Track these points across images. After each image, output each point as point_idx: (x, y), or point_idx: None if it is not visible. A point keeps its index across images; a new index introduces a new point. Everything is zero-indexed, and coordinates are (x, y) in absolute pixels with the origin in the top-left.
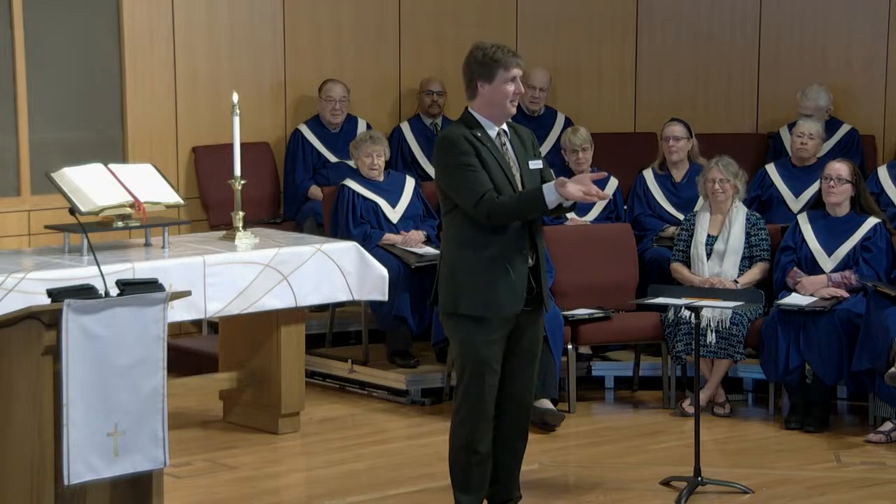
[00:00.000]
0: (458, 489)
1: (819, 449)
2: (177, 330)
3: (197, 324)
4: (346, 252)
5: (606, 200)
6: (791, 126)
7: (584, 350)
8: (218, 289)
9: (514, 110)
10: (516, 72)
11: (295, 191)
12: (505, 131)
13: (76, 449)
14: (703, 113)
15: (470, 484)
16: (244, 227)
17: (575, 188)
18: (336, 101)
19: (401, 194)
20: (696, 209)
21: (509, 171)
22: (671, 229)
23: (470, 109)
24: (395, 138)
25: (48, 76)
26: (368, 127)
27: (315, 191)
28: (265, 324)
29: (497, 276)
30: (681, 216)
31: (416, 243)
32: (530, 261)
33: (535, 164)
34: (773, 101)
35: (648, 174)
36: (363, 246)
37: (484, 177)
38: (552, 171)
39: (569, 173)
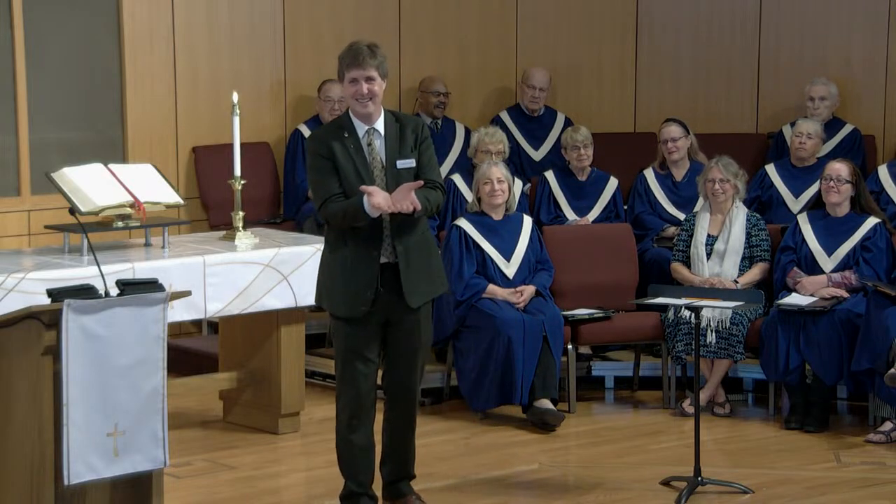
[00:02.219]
0: (345, 475)
1: (819, 449)
2: (177, 330)
3: (197, 324)
4: None
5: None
6: (794, 125)
7: (584, 350)
8: (218, 289)
9: (363, 109)
10: (356, 73)
11: (295, 191)
12: (377, 130)
13: (76, 449)
14: (703, 113)
15: (357, 472)
16: (244, 227)
17: (380, 199)
18: (335, 102)
19: None
20: (696, 209)
21: (367, 174)
22: (671, 229)
23: (349, 107)
24: None
25: (48, 76)
26: None
27: None
28: (265, 324)
29: (345, 275)
30: (681, 215)
31: None
32: (385, 259)
33: (405, 164)
34: (773, 101)
35: (649, 173)
36: None
37: (331, 182)
38: (434, 169)
39: (569, 172)
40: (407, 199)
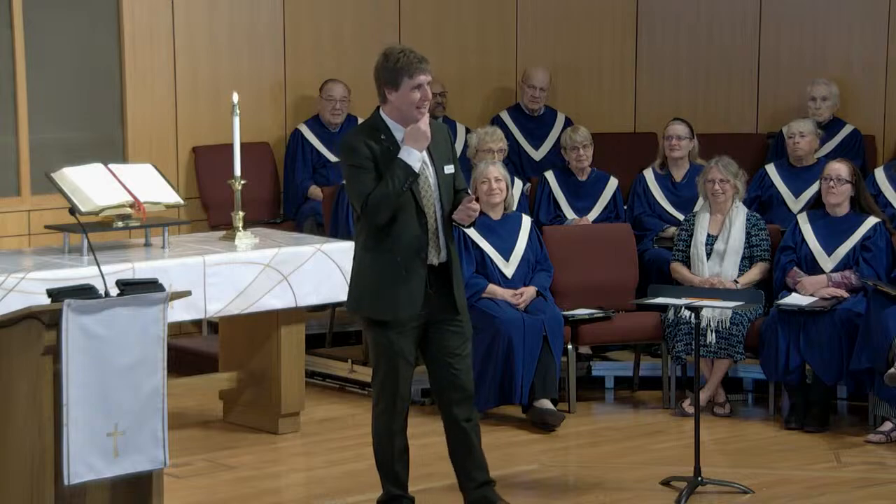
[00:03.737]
0: (386, 479)
1: (819, 449)
2: (177, 330)
3: (197, 324)
4: (346, 252)
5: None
6: None
7: (584, 350)
8: (218, 289)
9: (421, 116)
10: (422, 78)
11: (295, 191)
12: None
13: (76, 449)
14: (703, 113)
15: (398, 474)
16: (244, 227)
17: (412, 127)
18: (336, 101)
19: None
20: (696, 209)
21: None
22: (671, 230)
23: (380, 112)
24: None
25: (48, 76)
26: None
27: (315, 191)
28: (265, 324)
29: (394, 280)
30: (681, 216)
31: None
32: (435, 260)
33: (450, 170)
34: (773, 101)
35: (648, 174)
36: None
37: (371, 181)
38: (463, 177)
39: (569, 172)
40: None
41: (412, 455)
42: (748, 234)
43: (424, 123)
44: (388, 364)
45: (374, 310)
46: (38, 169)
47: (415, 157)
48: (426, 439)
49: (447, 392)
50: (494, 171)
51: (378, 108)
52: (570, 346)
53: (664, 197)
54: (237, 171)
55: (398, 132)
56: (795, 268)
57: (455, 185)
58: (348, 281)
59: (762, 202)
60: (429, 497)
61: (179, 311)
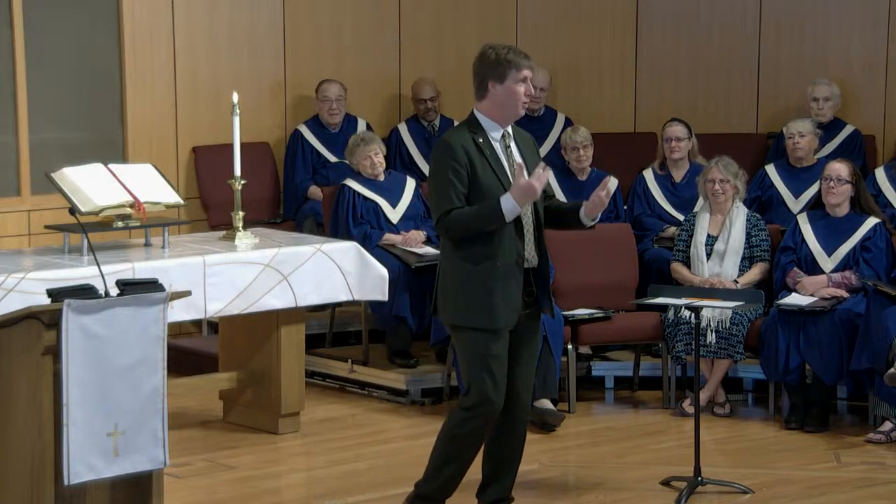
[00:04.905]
0: (443, 483)
1: (819, 449)
2: (177, 330)
3: (197, 324)
4: (346, 252)
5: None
6: None
7: (584, 350)
8: (218, 289)
9: (523, 112)
10: (527, 73)
11: (295, 191)
12: (509, 133)
13: (76, 449)
14: (703, 113)
15: (455, 484)
16: (244, 227)
17: (527, 184)
18: (332, 101)
19: (401, 194)
20: (696, 209)
21: (504, 178)
22: (672, 230)
23: (476, 111)
24: (394, 140)
25: (48, 76)
26: (368, 127)
27: (315, 191)
28: (265, 324)
29: (494, 288)
30: (680, 216)
31: (416, 243)
32: (531, 263)
33: None
34: (773, 101)
35: (648, 174)
36: (363, 246)
37: (458, 193)
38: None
39: (569, 172)
40: (536, 173)
41: (413, 455)
42: (748, 235)
43: (539, 185)
44: (488, 371)
45: (474, 319)
46: (38, 169)
47: (513, 211)
48: (426, 439)
49: (510, 398)
50: None
51: (473, 109)
52: (570, 346)
53: (664, 197)
54: (237, 171)
55: (495, 132)
56: (795, 268)
57: (546, 191)
58: (349, 281)
59: (762, 202)
60: None
61: (179, 311)
